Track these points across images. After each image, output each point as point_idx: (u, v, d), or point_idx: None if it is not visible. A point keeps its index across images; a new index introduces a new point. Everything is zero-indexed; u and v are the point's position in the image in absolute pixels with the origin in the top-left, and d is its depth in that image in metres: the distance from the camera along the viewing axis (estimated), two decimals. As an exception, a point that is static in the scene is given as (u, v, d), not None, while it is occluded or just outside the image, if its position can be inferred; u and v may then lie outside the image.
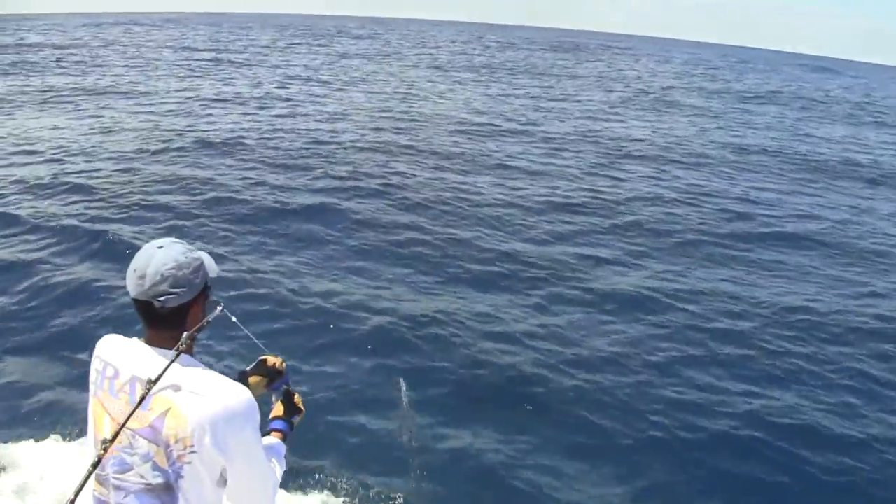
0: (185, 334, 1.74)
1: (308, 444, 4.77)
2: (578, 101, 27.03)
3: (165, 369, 1.68)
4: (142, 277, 1.72)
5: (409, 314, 7.11)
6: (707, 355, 6.80)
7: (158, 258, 1.74)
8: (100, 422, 1.80)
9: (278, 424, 2.15)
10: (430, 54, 48.28)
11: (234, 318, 1.96)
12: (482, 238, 9.81)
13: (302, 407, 2.22)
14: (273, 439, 2.10)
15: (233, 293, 7.20)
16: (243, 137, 15.51)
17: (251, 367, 2.21)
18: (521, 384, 6.05)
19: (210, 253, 1.93)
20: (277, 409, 2.20)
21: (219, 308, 1.90)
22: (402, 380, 5.72)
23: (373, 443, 5.09)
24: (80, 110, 18.47)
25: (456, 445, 5.14)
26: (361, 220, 10.22)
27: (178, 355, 1.72)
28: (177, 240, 1.84)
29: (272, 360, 2.25)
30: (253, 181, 11.87)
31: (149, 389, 1.67)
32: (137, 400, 1.67)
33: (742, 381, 6.35)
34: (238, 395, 1.74)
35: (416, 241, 9.48)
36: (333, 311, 7.11)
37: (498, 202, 11.69)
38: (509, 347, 6.65)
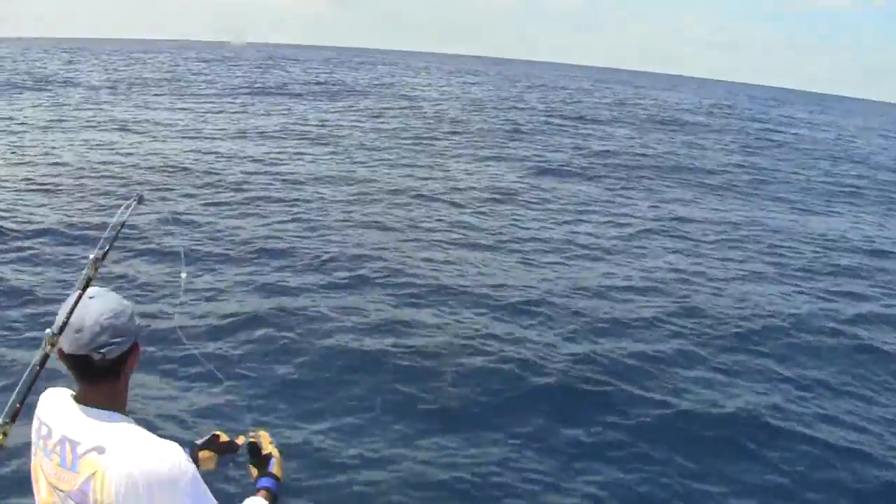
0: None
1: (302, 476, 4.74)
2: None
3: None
4: (79, 331, 1.64)
5: (404, 342, 7.05)
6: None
7: (95, 309, 1.67)
8: (38, 484, 1.76)
9: (264, 482, 2.00)
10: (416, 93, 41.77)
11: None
12: (493, 269, 9.71)
13: (275, 453, 2.06)
14: (256, 499, 1.95)
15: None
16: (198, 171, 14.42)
17: (202, 440, 2.10)
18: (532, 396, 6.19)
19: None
20: (252, 471, 2.07)
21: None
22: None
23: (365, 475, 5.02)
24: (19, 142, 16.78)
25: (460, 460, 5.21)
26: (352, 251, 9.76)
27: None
28: (102, 287, 1.78)
29: (225, 437, 2.12)
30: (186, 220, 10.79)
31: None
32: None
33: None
34: (165, 458, 1.63)
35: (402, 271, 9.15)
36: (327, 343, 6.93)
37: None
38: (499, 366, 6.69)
